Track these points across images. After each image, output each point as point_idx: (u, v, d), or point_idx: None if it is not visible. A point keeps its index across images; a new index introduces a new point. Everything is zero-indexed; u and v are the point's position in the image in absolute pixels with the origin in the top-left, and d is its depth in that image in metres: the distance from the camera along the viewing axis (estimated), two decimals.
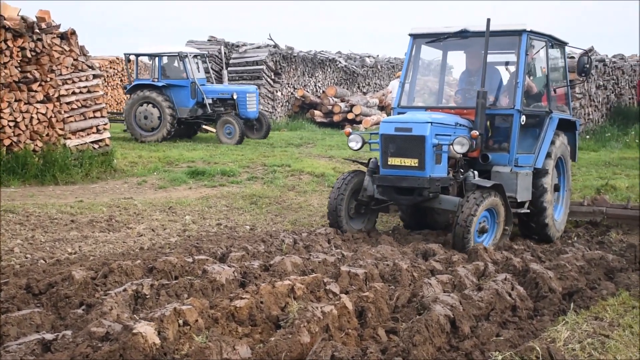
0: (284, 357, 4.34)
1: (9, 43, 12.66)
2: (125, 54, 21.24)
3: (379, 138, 8.74)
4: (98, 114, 14.73)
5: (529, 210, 9.48)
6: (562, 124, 10.08)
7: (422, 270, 7.14)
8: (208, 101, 20.24)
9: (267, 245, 7.82)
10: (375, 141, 9.11)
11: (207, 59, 21.65)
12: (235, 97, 20.20)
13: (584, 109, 22.22)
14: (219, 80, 24.74)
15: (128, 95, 20.60)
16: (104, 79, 27.92)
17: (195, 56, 20.69)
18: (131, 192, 12.33)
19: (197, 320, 4.56)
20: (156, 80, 20.07)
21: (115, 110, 26.04)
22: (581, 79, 10.87)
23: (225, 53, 25.73)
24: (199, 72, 20.68)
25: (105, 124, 14.85)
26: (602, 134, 21.98)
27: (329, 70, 30.30)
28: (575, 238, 10.20)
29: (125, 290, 5.20)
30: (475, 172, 8.93)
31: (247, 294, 5.09)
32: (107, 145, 14.83)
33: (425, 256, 7.93)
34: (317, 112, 27.47)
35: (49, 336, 4.23)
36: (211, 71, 22.57)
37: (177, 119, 19.85)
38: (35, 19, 13.30)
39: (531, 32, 9.28)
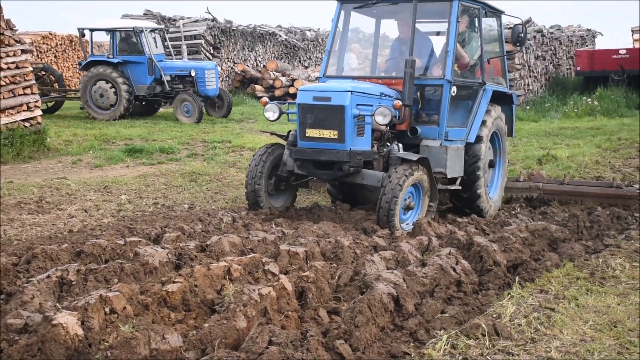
0: (219, 344, 4.07)
1: None
2: (79, 29, 20.33)
3: (297, 108, 8.12)
4: (28, 91, 14.09)
5: (460, 187, 9.07)
6: (498, 97, 9.69)
7: (365, 246, 6.92)
8: (166, 78, 19.51)
9: (204, 224, 7.50)
10: (293, 111, 8.41)
11: (165, 33, 20.85)
12: (193, 74, 19.46)
13: (523, 79, 22.35)
14: None
15: (82, 72, 19.82)
16: (37, 56, 26.89)
17: (152, 31, 19.91)
18: (65, 172, 11.84)
19: (125, 308, 4.25)
20: (111, 56, 19.30)
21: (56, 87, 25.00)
22: (517, 50, 10.45)
23: (180, 27, 24.95)
24: (156, 47, 19.89)
25: (36, 102, 14.21)
26: (541, 105, 22.15)
27: (269, 44, 29.84)
28: (519, 209, 10.12)
29: (48, 276, 4.84)
30: (400, 145, 8.36)
31: (180, 278, 4.79)
32: (39, 123, 14.21)
33: (368, 232, 7.72)
34: (258, 87, 27.02)
35: None
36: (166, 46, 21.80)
37: (134, 97, 19.19)
38: None
39: None
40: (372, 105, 8.13)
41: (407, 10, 8.74)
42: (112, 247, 5.84)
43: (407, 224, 8.00)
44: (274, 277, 5.26)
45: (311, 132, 8.04)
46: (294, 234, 7.25)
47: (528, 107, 21.53)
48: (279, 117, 8.61)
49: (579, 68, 25.20)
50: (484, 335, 4.73)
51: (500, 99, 9.78)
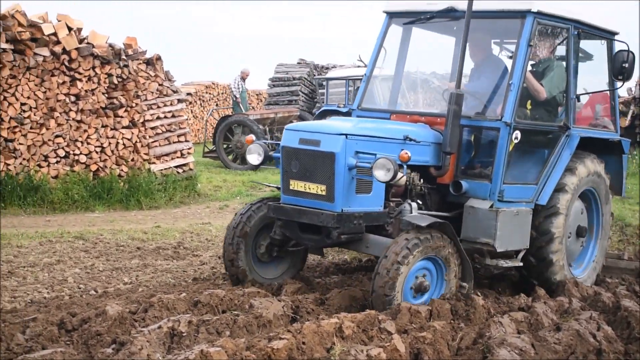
0: None
1: (97, 70, 12.84)
2: (316, 79, 21.04)
3: (280, 152, 6.54)
4: (182, 139, 14.70)
5: (521, 264, 6.98)
6: (602, 146, 7.76)
7: (504, 303, 6.53)
8: None
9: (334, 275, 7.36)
10: (279, 155, 6.64)
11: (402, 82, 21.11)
12: None
13: None
14: (310, 102, 24.40)
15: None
16: (200, 104, 28.25)
17: (383, 79, 20.02)
18: (211, 217, 12.14)
19: None
20: (342, 105, 19.46)
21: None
22: (619, 84, 7.74)
23: None
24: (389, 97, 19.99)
25: (189, 149, 14.80)
26: None
27: (420, 90, 29.57)
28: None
29: (160, 327, 4.84)
30: (413, 205, 6.54)
31: (288, 334, 4.63)
32: (191, 169, 14.77)
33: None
34: None
35: None
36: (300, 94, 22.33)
37: None
38: (122, 46, 13.43)
39: (540, 14, 6.85)
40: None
41: (479, 29, 7.03)
42: (230, 297, 5.79)
43: None
44: (389, 336, 4.97)
45: (295, 185, 6.35)
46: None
47: None
48: (263, 162, 7.01)
49: None
50: None
51: (606, 147, 7.86)
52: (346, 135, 6.18)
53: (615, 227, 10.56)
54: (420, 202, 6.74)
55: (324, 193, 6.16)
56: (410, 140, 6.56)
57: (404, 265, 5.76)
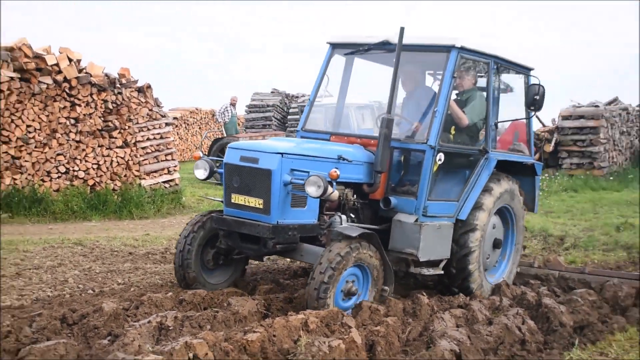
0: None
1: (94, 96, 12.81)
2: (299, 105, 21.22)
3: (223, 168, 6.37)
4: (169, 157, 14.70)
5: (442, 272, 6.99)
6: (519, 168, 7.80)
7: (445, 302, 6.67)
8: None
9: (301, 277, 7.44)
10: (222, 171, 6.45)
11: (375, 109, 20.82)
12: None
13: (608, 153, 21.19)
14: (281, 126, 24.50)
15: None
16: (185, 127, 28.18)
17: (359, 107, 19.45)
18: None
19: (207, 354, 4.21)
20: None
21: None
22: (532, 113, 7.80)
23: None
24: (363, 123, 19.38)
25: (175, 166, 14.79)
26: (625, 176, 20.87)
27: (370, 116, 29.88)
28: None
29: (149, 322, 4.88)
30: (343, 217, 6.40)
31: (260, 328, 4.71)
32: (176, 184, 14.77)
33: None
34: None
35: None
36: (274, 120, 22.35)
37: None
38: (117, 76, 13.43)
39: (463, 49, 6.80)
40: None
41: (407, 59, 6.90)
42: (210, 296, 5.87)
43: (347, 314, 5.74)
44: (348, 330, 5.08)
45: (236, 198, 6.17)
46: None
47: (612, 178, 20.33)
48: (209, 177, 6.68)
49: None
50: None
51: (522, 170, 7.92)
52: (282, 154, 6.04)
53: (540, 237, 10.88)
54: (354, 216, 6.70)
55: (261, 206, 6.00)
56: (344, 159, 6.44)
57: (336, 271, 5.64)
